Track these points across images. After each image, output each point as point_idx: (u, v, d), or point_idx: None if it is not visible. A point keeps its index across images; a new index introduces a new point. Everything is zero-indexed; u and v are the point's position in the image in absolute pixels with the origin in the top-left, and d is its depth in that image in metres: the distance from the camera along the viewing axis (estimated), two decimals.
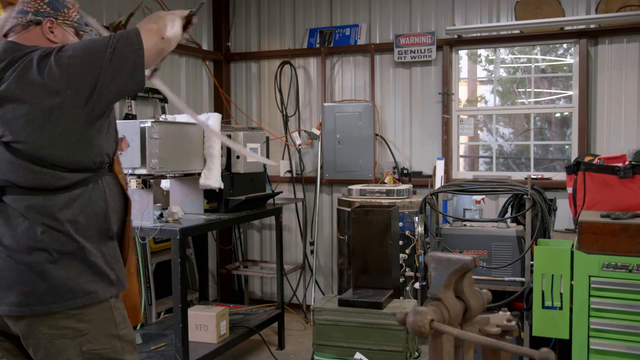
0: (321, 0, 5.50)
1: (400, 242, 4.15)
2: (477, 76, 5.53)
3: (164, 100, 5.02)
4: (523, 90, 5.25)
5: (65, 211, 1.85)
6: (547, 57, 5.16)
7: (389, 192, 4.57)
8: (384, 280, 2.26)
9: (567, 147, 5.03)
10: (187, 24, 2.05)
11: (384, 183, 5.02)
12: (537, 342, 3.26)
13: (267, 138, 5.22)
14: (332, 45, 5.42)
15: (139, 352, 3.76)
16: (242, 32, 5.83)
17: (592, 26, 4.61)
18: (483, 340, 1.26)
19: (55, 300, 1.82)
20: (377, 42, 5.31)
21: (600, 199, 3.29)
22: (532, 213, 3.39)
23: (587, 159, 3.51)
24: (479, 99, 5.58)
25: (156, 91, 4.94)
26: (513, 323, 1.54)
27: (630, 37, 4.58)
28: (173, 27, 1.94)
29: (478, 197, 4.25)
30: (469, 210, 4.20)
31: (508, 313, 1.58)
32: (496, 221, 3.70)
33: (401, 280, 4.11)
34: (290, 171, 5.57)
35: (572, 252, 2.95)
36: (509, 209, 3.92)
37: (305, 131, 5.46)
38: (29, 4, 1.97)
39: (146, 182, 3.72)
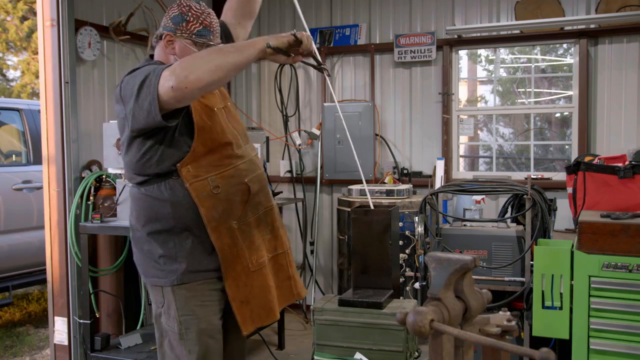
0: (321, 0, 5.50)
1: (400, 242, 4.15)
2: (477, 76, 5.53)
3: None
4: (523, 90, 5.25)
5: None
6: (547, 57, 5.16)
7: (389, 192, 4.57)
8: (384, 280, 2.26)
9: (567, 147, 5.03)
10: (292, 46, 2.02)
11: (384, 183, 5.02)
12: (537, 342, 3.25)
13: (267, 138, 5.22)
14: (332, 45, 5.42)
15: (139, 352, 3.77)
16: None
17: (592, 26, 4.61)
18: (483, 340, 1.26)
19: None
20: (377, 42, 5.31)
21: (600, 199, 3.29)
22: (532, 213, 3.39)
23: (587, 159, 3.51)
24: (479, 99, 5.58)
25: None
26: (513, 323, 1.53)
27: (630, 37, 4.58)
28: (243, 52, 1.96)
29: (478, 197, 4.24)
30: (469, 210, 4.20)
31: (508, 313, 1.58)
32: (496, 221, 3.70)
33: (401, 280, 4.10)
34: (290, 171, 5.56)
35: (572, 252, 2.95)
36: (509, 209, 3.92)
37: (305, 131, 5.46)
38: (162, 20, 2.24)
39: None
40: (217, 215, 2.14)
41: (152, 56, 2.29)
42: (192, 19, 2.17)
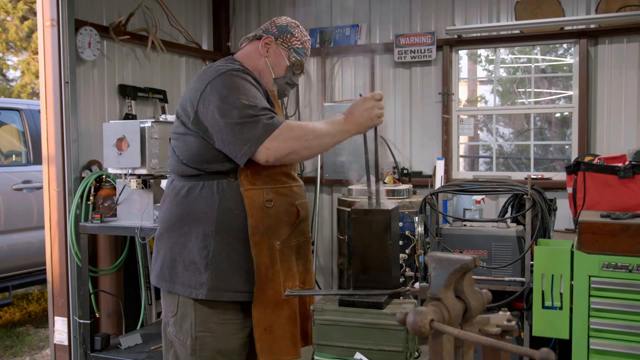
0: (321, 0, 5.50)
1: (400, 242, 4.15)
2: (477, 76, 5.53)
3: (164, 100, 5.02)
4: (523, 90, 5.25)
5: None
6: (547, 57, 5.16)
7: (389, 192, 4.56)
8: (384, 280, 2.26)
9: (567, 147, 5.03)
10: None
11: (384, 183, 5.01)
12: (537, 342, 3.25)
13: None
14: (332, 45, 5.42)
15: (139, 352, 3.77)
16: (242, 32, 5.82)
17: (592, 26, 4.61)
18: (483, 340, 1.26)
19: None
20: (377, 42, 5.31)
21: (600, 199, 3.28)
22: (532, 213, 3.39)
23: (587, 159, 3.51)
24: (479, 99, 5.58)
25: (156, 91, 4.95)
26: (513, 323, 1.53)
27: (630, 37, 4.58)
28: (337, 136, 2.12)
29: (478, 197, 4.24)
30: (469, 210, 4.20)
31: (508, 313, 1.58)
32: (496, 221, 3.69)
33: (401, 280, 4.10)
34: None
35: (572, 252, 2.95)
36: (509, 209, 3.92)
37: None
38: (266, 24, 2.27)
39: (146, 182, 3.72)
40: (263, 229, 2.05)
41: (232, 54, 2.31)
42: (297, 34, 2.25)
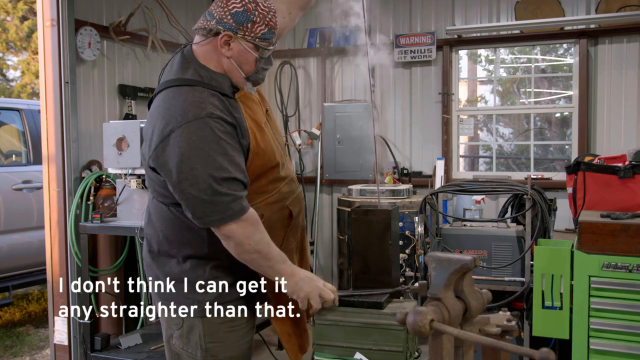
0: (321, 0, 5.49)
1: (401, 242, 4.15)
2: (477, 76, 5.53)
3: None
4: (523, 90, 5.25)
5: None
6: (547, 57, 5.16)
7: (389, 192, 4.56)
8: (384, 280, 2.26)
9: (567, 147, 5.03)
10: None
11: (384, 183, 5.02)
12: (537, 342, 3.25)
13: None
14: (332, 45, 5.42)
15: (139, 352, 3.77)
16: None
17: (592, 26, 4.61)
18: (483, 340, 1.26)
19: None
20: (377, 42, 5.31)
21: (600, 199, 3.28)
22: (532, 213, 3.39)
23: (587, 159, 3.51)
24: (478, 99, 5.58)
25: None
26: (513, 323, 1.53)
27: (630, 37, 4.58)
28: (282, 275, 1.92)
29: (478, 197, 4.25)
30: (469, 210, 4.20)
31: (508, 313, 1.58)
32: (496, 221, 3.69)
33: (401, 280, 4.10)
34: None
35: (572, 252, 2.95)
36: (509, 209, 3.92)
37: (305, 131, 5.46)
38: (217, 9, 1.87)
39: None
40: None
41: (185, 50, 1.96)
42: (258, 19, 1.86)
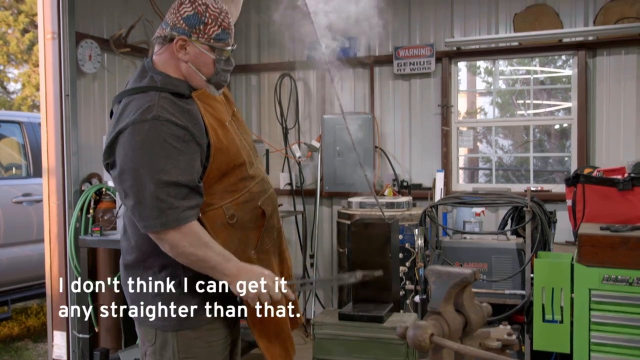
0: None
1: (400, 255, 4.14)
2: (476, 88, 5.55)
3: None
4: (522, 101, 5.27)
5: None
6: (546, 69, 5.18)
7: (388, 205, 4.56)
8: (384, 293, 2.26)
9: (566, 158, 5.04)
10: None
11: (384, 195, 5.01)
12: (538, 356, 3.24)
13: (267, 150, 5.23)
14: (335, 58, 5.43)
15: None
16: (242, 45, 5.84)
17: (590, 38, 4.63)
18: (483, 355, 1.25)
19: None
20: (376, 54, 5.33)
21: (599, 212, 3.29)
22: (532, 225, 3.39)
23: (586, 171, 3.52)
24: (478, 110, 5.59)
25: None
26: (513, 337, 1.53)
27: (628, 49, 4.60)
28: (243, 290, 1.85)
29: (478, 210, 4.24)
30: (469, 223, 4.19)
31: (508, 327, 1.58)
32: (496, 234, 3.69)
33: (401, 293, 4.09)
34: (290, 184, 5.56)
35: (572, 265, 2.95)
36: (509, 222, 3.92)
37: (305, 143, 5.46)
38: (170, 16, 1.91)
39: None
40: (234, 246, 1.91)
41: (146, 62, 1.99)
42: (210, 20, 1.88)
